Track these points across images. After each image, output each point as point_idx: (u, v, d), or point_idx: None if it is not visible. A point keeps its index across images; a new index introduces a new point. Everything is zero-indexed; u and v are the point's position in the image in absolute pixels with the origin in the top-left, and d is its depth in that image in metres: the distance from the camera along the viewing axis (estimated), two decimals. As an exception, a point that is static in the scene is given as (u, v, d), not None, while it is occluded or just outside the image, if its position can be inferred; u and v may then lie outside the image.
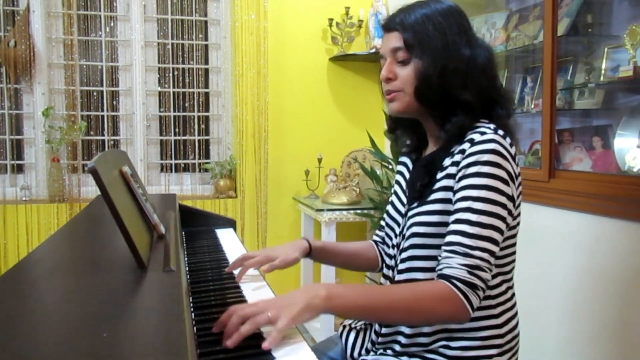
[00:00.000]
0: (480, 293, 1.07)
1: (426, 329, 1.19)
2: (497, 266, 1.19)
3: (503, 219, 1.10)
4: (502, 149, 1.11)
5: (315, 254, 1.42)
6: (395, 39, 1.22)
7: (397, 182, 1.41)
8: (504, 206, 1.10)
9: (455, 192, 1.13)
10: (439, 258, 1.11)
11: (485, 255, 1.06)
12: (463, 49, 1.19)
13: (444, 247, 1.10)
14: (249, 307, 0.96)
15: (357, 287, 1.10)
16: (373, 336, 1.31)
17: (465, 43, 1.20)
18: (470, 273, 1.05)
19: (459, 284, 1.04)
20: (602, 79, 1.99)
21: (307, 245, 1.41)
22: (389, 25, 1.25)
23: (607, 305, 1.81)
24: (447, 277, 1.06)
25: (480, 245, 1.06)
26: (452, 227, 1.10)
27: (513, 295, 1.25)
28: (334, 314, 1.03)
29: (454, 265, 1.06)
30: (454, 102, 1.18)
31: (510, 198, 1.12)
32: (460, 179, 1.13)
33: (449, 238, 1.10)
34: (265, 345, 0.90)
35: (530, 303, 2.08)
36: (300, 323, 0.97)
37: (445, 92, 1.18)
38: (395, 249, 1.30)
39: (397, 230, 1.31)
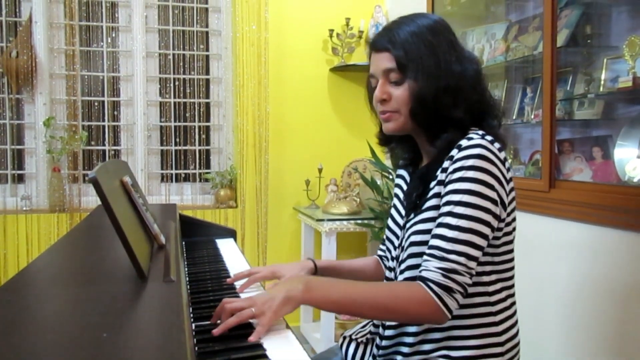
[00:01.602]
0: (457, 296, 1.08)
1: (429, 339, 1.19)
2: (496, 272, 1.19)
3: (486, 223, 1.10)
4: (489, 153, 1.12)
5: (320, 273, 1.43)
6: (386, 60, 1.22)
7: (396, 195, 1.41)
8: (487, 210, 1.10)
9: (441, 198, 1.15)
10: (422, 261, 1.12)
11: (461, 259, 1.07)
12: (454, 66, 1.19)
13: (426, 251, 1.12)
14: (237, 301, 1.05)
15: (335, 282, 1.14)
16: (375, 350, 1.30)
17: (455, 59, 1.20)
18: (444, 276, 1.07)
19: (433, 286, 1.06)
20: (601, 89, 1.99)
21: (312, 266, 1.42)
22: (377, 46, 1.25)
23: (608, 315, 1.81)
24: (423, 280, 1.08)
25: (457, 249, 1.08)
26: (434, 231, 1.12)
27: (513, 303, 1.25)
28: (311, 305, 1.09)
29: (430, 268, 1.08)
30: (445, 120, 1.19)
31: (496, 202, 1.12)
32: (447, 184, 1.14)
33: (430, 242, 1.12)
34: (250, 338, 0.98)
35: (530, 312, 2.07)
36: (282, 315, 1.05)
37: (439, 111, 1.18)
38: (395, 261, 1.30)
39: (396, 243, 1.31)
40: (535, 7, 2.33)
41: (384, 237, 1.43)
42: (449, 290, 1.06)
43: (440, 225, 1.11)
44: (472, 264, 1.09)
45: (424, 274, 1.09)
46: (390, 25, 1.26)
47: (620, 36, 1.94)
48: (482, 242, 1.10)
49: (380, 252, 1.51)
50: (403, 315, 1.10)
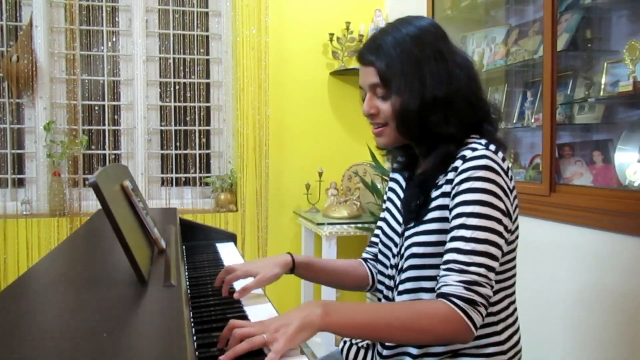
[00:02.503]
0: (482, 309, 1.04)
1: (433, 350, 1.17)
2: (498, 282, 1.18)
3: (499, 233, 1.08)
4: (494, 164, 1.11)
5: (299, 270, 1.38)
6: (371, 75, 1.20)
7: (390, 199, 1.38)
8: (499, 221, 1.09)
9: (450, 210, 1.13)
10: (437, 278, 1.09)
11: (482, 270, 1.04)
12: (441, 78, 1.16)
13: (441, 267, 1.09)
14: (248, 326, 0.95)
15: (354, 305, 1.06)
16: (377, 356, 1.29)
17: (443, 70, 1.16)
18: (467, 289, 1.03)
19: (457, 301, 1.02)
20: (601, 93, 1.99)
21: (290, 260, 1.36)
22: (362, 60, 1.23)
23: (609, 319, 1.80)
24: (444, 296, 1.04)
25: (475, 260, 1.05)
26: (448, 245, 1.09)
27: (515, 310, 1.25)
28: (331, 331, 1.00)
29: (450, 282, 1.04)
30: (435, 136, 1.17)
31: (505, 213, 1.11)
32: (454, 196, 1.12)
33: (445, 257, 1.09)
34: None
35: (531, 317, 2.07)
36: (297, 344, 0.94)
37: (427, 127, 1.16)
38: (394, 269, 1.28)
39: (395, 250, 1.29)
40: (536, 11, 2.33)
41: (375, 240, 1.41)
42: (472, 303, 1.02)
43: (454, 238, 1.08)
44: (492, 275, 1.06)
45: (444, 289, 1.04)
46: (376, 34, 1.24)
47: (621, 40, 1.94)
48: (497, 252, 1.08)
49: (366, 255, 1.48)
50: (428, 335, 1.02)
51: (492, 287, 1.06)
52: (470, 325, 1.01)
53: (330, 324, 0.98)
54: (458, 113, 1.17)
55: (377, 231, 1.41)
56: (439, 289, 1.07)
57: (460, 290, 1.03)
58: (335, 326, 0.99)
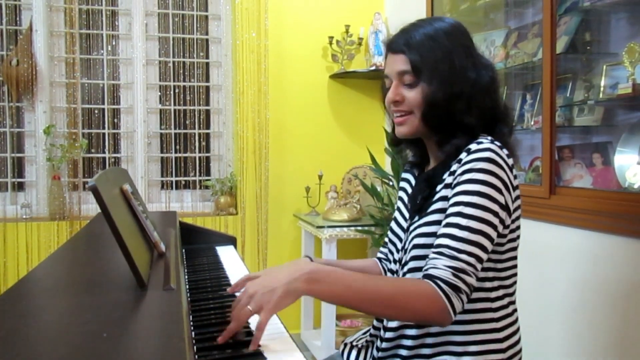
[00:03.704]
0: (464, 297, 1.05)
1: (428, 343, 1.18)
2: (498, 279, 1.19)
3: (494, 226, 1.10)
4: (498, 158, 1.12)
5: None
6: (401, 62, 1.22)
7: (400, 198, 1.41)
8: (495, 214, 1.10)
9: (449, 199, 1.14)
10: (427, 259, 1.10)
11: (471, 259, 1.06)
12: (469, 72, 1.20)
13: (432, 250, 1.10)
14: (238, 300, 1.03)
15: (341, 273, 1.11)
16: (375, 352, 1.30)
17: (470, 65, 1.21)
18: (454, 275, 1.04)
19: (443, 285, 1.04)
20: (601, 96, 1.99)
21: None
22: (393, 47, 1.25)
23: (608, 321, 1.80)
24: (431, 277, 1.05)
25: (467, 249, 1.06)
26: (442, 230, 1.11)
27: (515, 310, 1.25)
28: (314, 296, 1.04)
29: (439, 266, 1.06)
30: (457, 125, 1.19)
31: (504, 207, 1.12)
32: (455, 186, 1.14)
33: (437, 241, 1.10)
34: (251, 347, 0.97)
35: (531, 319, 2.06)
36: (283, 308, 1.00)
37: (451, 116, 1.19)
38: (397, 264, 1.30)
39: (399, 246, 1.31)
40: (535, 14, 2.33)
41: (386, 240, 1.43)
42: (457, 289, 1.04)
43: (449, 225, 1.10)
44: (479, 266, 1.08)
45: (432, 271, 1.06)
46: (408, 27, 1.27)
47: (620, 43, 1.94)
48: (489, 245, 1.09)
49: (380, 255, 1.50)
50: (408, 311, 1.05)
51: (477, 277, 1.08)
52: (450, 311, 1.04)
53: (314, 291, 1.03)
54: (479, 107, 1.20)
55: (389, 231, 1.43)
56: (426, 270, 1.08)
57: (448, 275, 1.05)
58: (319, 294, 1.04)
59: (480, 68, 1.22)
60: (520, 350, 1.24)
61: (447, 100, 1.18)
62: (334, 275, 1.07)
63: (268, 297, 0.99)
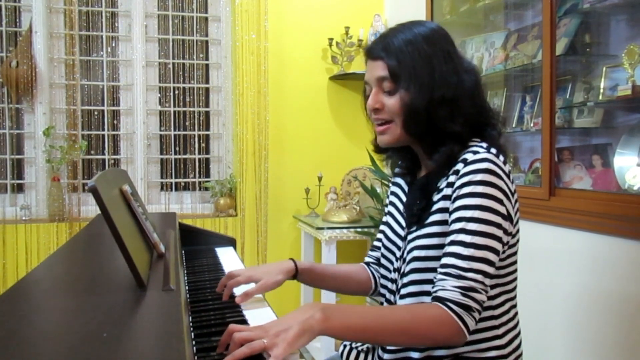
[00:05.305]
0: (476, 314, 1.05)
1: (435, 353, 1.17)
2: (499, 285, 1.18)
3: (498, 239, 1.09)
4: (496, 168, 1.11)
5: (302, 276, 1.38)
6: (380, 68, 1.20)
7: (392, 203, 1.39)
8: (498, 226, 1.09)
9: (450, 214, 1.13)
10: (434, 280, 1.09)
11: (479, 276, 1.05)
12: (450, 77, 1.17)
13: (439, 269, 1.09)
14: (247, 331, 0.95)
15: (353, 307, 1.08)
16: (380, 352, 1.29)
17: (452, 70, 1.18)
18: (464, 295, 1.03)
19: (453, 306, 1.03)
20: (600, 97, 2.00)
21: (292, 267, 1.37)
22: (372, 53, 1.23)
23: (609, 323, 1.80)
24: (441, 300, 1.04)
25: (474, 266, 1.05)
26: (447, 249, 1.09)
27: (516, 314, 1.24)
28: (330, 336, 1.00)
29: (447, 287, 1.05)
30: (441, 132, 1.17)
31: (506, 217, 1.11)
32: (455, 199, 1.12)
33: (443, 260, 1.09)
34: None
35: (531, 322, 2.06)
36: (297, 349, 0.94)
37: (433, 123, 1.17)
38: (397, 273, 1.28)
39: (398, 254, 1.29)
40: (534, 15, 2.34)
41: (378, 244, 1.41)
42: (468, 309, 1.03)
43: (453, 242, 1.08)
44: (488, 281, 1.07)
45: (441, 294, 1.05)
46: (387, 32, 1.25)
47: (619, 45, 1.95)
48: (495, 258, 1.08)
49: (368, 259, 1.48)
50: (425, 338, 1.04)
51: (487, 292, 1.07)
52: (464, 330, 1.03)
53: (329, 328, 0.98)
54: (464, 113, 1.17)
55: (380, 235, 1.41)
56: (435, 292, 1.07)
57: (457, 296, 1.03)
58: (334, 330, 0.99)
59: (462, 72, 1.19)
60: (521, 355, 1.24)
61: (427, 107, 1.15)
62: (347, 310, 1.04)
63: (284, 334, 0.93)
